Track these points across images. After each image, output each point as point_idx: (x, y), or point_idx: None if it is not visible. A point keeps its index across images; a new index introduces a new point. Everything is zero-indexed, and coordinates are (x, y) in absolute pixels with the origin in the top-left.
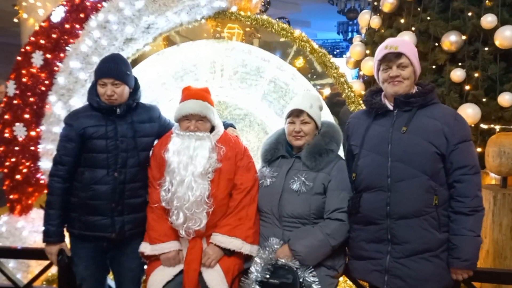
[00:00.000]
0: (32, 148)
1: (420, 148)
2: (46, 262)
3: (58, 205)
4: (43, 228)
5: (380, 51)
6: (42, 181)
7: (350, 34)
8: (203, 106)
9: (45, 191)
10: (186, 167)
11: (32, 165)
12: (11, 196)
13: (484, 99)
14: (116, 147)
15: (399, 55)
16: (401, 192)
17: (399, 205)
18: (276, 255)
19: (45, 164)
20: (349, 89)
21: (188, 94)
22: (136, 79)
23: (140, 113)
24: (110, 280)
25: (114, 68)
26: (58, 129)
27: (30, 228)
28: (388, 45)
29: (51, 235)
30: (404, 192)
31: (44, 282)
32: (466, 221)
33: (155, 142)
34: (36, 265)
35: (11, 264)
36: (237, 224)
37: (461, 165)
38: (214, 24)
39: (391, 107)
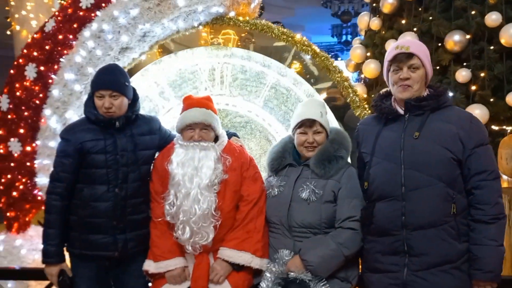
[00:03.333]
0: (28, 163)
1: (434, 154)
2: (46, 282)
3: (57, 224)
4: (42, 247)
5: (391, 51)
6: (39, 198)
7: (344, 36)
8: (207, 114)
9: (43, 208)
10: (192, 179)
11: (28, 181)
12: (8, 214)
13: (491, 99)
14: (116, 161)
15: (410, 55)
16: (417, 201)
17: (415, 215)
18: (287, 267)
19: (42, 180)
20: (354, 93)
21: (191, 103)
22: (134, 90)
23: (140, 125)
24: None
25: (112, 79)
26: (54, 143)
27: (28, 246)
28: (399, 45)
29: (50, 255)
30: (419, 201)
31: None
32: (487, 230)
33: (156, 154)
34: (36, 285)
35: (9, 284)
36: (245, 237)
37: (479, 170)
38: (208, 31)
39: (402, 112)
